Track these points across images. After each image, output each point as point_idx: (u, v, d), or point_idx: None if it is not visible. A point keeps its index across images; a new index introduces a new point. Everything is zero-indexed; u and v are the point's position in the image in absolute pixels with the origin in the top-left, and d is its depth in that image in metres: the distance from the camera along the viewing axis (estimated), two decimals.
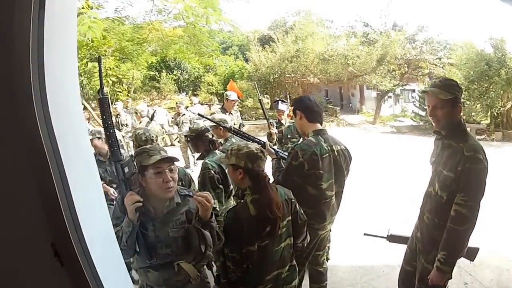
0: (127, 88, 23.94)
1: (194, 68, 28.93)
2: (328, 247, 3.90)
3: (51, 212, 1.44)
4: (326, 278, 3.92)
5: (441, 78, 2.91)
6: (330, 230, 3.81)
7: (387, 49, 21.68)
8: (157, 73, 27.26)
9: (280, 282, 2.79)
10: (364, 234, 4.18)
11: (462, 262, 2.85)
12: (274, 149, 3.78)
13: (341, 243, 5.14)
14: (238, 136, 4.11)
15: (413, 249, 3.21)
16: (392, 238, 3.75)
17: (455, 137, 2.78)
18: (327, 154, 3.33)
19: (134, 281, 3.82)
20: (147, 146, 2.64)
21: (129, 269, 3.86)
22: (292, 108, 3.58)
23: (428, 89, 2.80)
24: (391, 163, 11.43)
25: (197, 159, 4.25)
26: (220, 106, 7.45)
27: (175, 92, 27.41)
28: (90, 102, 19.63)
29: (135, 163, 2.40)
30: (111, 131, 2.42)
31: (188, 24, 17.68)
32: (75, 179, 1.51)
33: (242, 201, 2.72)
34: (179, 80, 27.99)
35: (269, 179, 2.73)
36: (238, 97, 7.35)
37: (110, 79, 20.24)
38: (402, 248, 3.46)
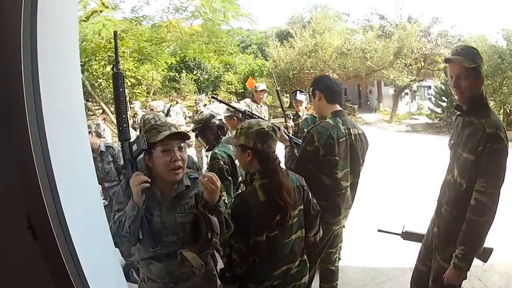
0: (147, 89, 23.98)
1: (214, 68, 28.96)
2: (340, 246, 3.67)
3: (27, 180, 1.33)
4: (337, 278, 3.69)
5: (462, 45, 2.67)
6: (344, 227, 3.55)
7: (403, 41, 21.63)
8: (177, 74, 27.30)
9: (289, 278, 2.51)
10: (378, 231, 3.99)
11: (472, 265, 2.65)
12: (288, 136, 3.50)
13: (352, 244, 4.93)
14: None
15: (429, 246, 2.95)
16: (407, 235, 3.51)
17: (477, 112, 2.55)
18: (344, 138, 3.07)
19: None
20: (157, 123, 2.38)
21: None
22: (311, 88, 3.31)
23: (452, 57, 2.57)
24: (405, 162, 11.34)
25: (206, 151, 4.02)
26: (251, 98, 7.20)
27: (195, 93, 27.46)
28: (109, 106, 19.65)
29: (145, 139, 2.13)
30: (122, 108, 2.18)
31: (206, 20, 17.61)
32: (57, 147, 1.39)
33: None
34: (199, 80, 28.00)
35: (280, 161, 2.44)
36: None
37: (129, 81, 20.18)
38: (414, 251, 3.27)
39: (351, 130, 3.14)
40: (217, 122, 3.87)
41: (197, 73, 28.11)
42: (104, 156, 4.88)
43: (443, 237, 2.74)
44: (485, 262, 2.78)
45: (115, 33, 2.36)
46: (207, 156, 10.06)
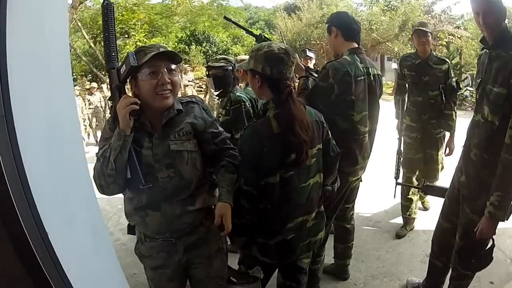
0: None
1: (223, 42, 28.49)
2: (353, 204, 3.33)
3: None
4: (352, 238, 3.34)
5: None
6: (361, 181, 3.15)
7: (408, 15, 21.12)
8: (186, 46, 26.86)
9: (304, 232, 2.12)
10: (398, 184, 3.68)
11: None
12: (304, 66, 3.04)
13: (364, 206, 4.71)
14: None
15: (454, 199, 2.59)
16: (428, 189, 3.18)
17: (504, 45, 2.21)
18: (362, 77, 2.67)
19: None
20: (146, 45, 2.03)
21: None
22: (327, 25, 2.90)
23: None
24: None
25: (217, 95, 3.63)
26: None
27: (203, 65, 27.11)
28: None
29: (134, 56, 1.71)
30: (111, 36, 1.75)
31: None
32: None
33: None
34: (207, 52, 27.56)
35: (292, 91, 2.00)
36: None
37: None
38: (427, 213, 2.86)
39: (370, 69, 2.75)
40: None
41: (206, 45, 27.61)
42: None
43: (473, 185, 2.38)
44: (506, 220, 2.33)
45: None
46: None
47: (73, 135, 1.60)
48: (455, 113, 4.03)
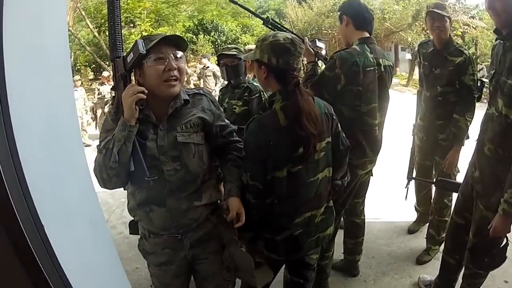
0: None
1: (231, 31, 28.30)
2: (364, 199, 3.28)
3: None
4: (363, 233, 3.31)
5: None
6: (372, 175, 3.11)
7: (421, 5, 20.87)
8: (194, 36, 26.72)
9: (312, 228, 2.09)
10: (411, 179, 3.63)
11: None
12: (314, 50, 3.00)
13: (376, 199, 4.48)
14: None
15: (468, 195, 2.54)
16: (441, 183, 3.13)
17: None
18: (372, 68, 2.63)
19: None
20: (151, 34, 1.99)
21: None
22: (339, 13, 2.88)
23: None
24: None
25: (229, 86, 3.49)
26: None
27: (212, 54, 27.01)
28: None
29: (143, 43, 1.66)
30: (117, 24, 1.73)
31: None
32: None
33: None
34: (216, 42, 27.41)
35: (298, 82, 1.96)
36: None
37: None
38: None
39: (381, 60, 2.70)
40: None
41: (214, 35, 27.44)
42: None
43: (487, 181, 2.32)
44: None
45: None
46: None
47: (71, 128, 1.59)
48: (468, 120, 3.26)
